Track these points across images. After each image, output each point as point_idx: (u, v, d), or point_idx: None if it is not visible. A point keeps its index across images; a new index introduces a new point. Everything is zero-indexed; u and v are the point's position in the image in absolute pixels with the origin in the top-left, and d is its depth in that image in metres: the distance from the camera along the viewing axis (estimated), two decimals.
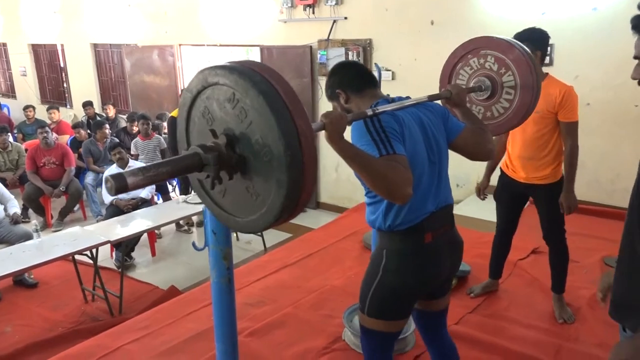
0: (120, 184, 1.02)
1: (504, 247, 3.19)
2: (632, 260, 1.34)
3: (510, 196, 3.01)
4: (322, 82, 5.91)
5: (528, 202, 3.06)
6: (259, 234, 5.17)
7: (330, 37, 5.68)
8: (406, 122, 1.68)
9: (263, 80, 1.11)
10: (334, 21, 5.62)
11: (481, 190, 3.14)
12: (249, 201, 1.23)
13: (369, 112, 1.59)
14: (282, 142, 1.08)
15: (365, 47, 5.44)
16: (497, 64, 2.19)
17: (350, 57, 5.52)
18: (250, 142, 1.15)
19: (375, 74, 3.27)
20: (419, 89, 5.24)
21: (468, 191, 5.13)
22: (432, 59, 5.12)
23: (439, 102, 1.95)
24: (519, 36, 2.59)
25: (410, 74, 5.25)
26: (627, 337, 1.33)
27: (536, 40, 2.63)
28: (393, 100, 1.79)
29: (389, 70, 5.33)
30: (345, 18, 5.55)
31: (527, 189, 2.89)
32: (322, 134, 1.45)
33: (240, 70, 1.14)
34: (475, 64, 2.25)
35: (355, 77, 1.85)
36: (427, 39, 5.07)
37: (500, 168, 3.04)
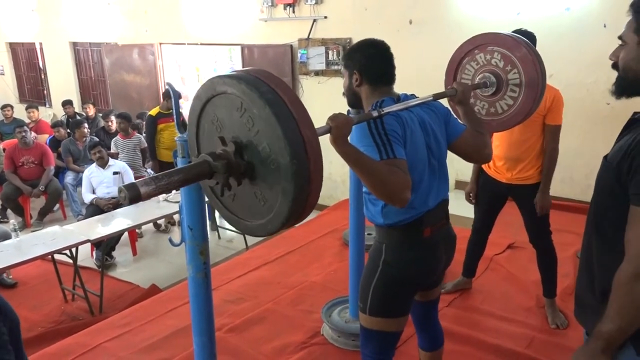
0: (133, 194, 1.04)
1: (479, 247, 3.22)
2: (588, 256, 1.35)
3: (490, 196, 3.03)
4: (303, 80, 5.95)
5: None
6: (241, 232, 5.18)
7: (311, 36, 5.72)
8: (409, 123, 1.71)
9: (270, 90, 1.14)
10: (314, 20, 5.65)
11: (472, 195, 3.11)
12: (257, 206, 1.26)
13: (374, 114, 1.60)
14: (288, 151, 1.11)
15: (345, 46, 5.48)
16: (504, 61, 2.19)
17: (330, 57, 5.57)
18: (257, 149, 1.18)
19: None
20: (400, 87, 5.31)
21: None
22: (411, 57, 5.20)
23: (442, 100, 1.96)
24: None
25: None
26: (584, 342, 1.32)
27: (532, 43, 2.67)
28: (399, 98, 1.81)
29: None
30: (325, 17, 5.59)
31: (509, 189, 2.90)
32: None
33: (247, 80, 1.16)
34: (482, 59, 2.25)
35: (379, 71, 1.83)
36: (405, 37, 5.13)
37: (482, 168, 3.05)
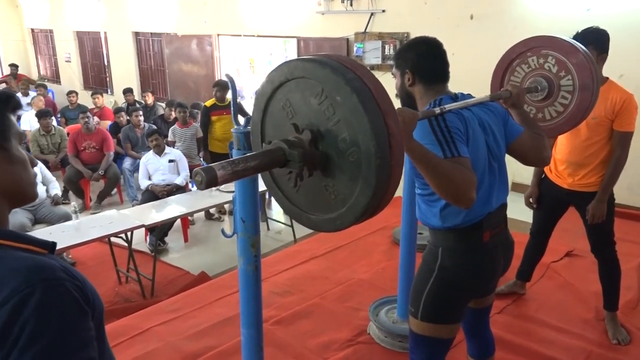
0: (210, 177, 1.01)
1: (537, 252, 3.09)
2: None
3: (551, 201, 2.89)
4: None
5: None
6: (290, 224, 5.21)
7: (367, 30, 5.65)
8: (470, 122, 1.66)
9: (356, 77, 1.08)
10: (372, 14, 5.58)
11: (533, 200, 2.97)
12: (326, 199, 1.19)
13: (437, 111, 1.55)
14: (373, 143, 1.05)
15: (402, 40, 5.39)
16: (558, 66, 2.09)
17: (386, 51, 5.48)
18: (336, 140, 1.11)
19: None
20: (457, 84, 5.15)
21: None
22: (471, 54, 5.05)
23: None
24: (583, 37, 2.48)
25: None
26: None
27: (604, 43, 2.53)
28: (456, 97, 1.76)
29: None
30: (383, 11, 5.51)
31: (571, 196, 2.75)
32: None
33: (332, 65, 1.10)
34: (534, 62, 2.15)
35: (432, 69, 1.78)
36: (465, 33, 4.98)
37: (544, 172, 2.93)
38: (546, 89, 2.13)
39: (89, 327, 0.90)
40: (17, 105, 1.01)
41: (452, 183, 1.45)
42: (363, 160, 1.07)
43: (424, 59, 1.77)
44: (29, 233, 3.82)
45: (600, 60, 2.54)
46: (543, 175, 2.93)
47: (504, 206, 1.84)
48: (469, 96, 1.77)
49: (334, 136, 1.12)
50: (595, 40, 2.50)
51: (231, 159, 1.07)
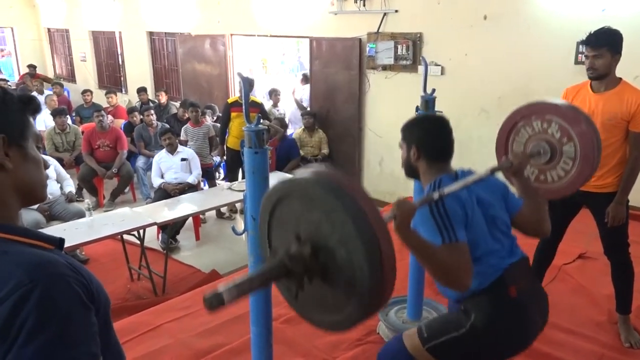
0: (217, 302, 1.05)
1: (548, 254, 3.04)
2: None
3: (563, 203, 2.86)
4: (370, 75, 5.89)
5: None
6: None
7: (380, 30, 5.64)
8: (469, 204, 1.72)
9: (353, 203, 1.15)
10: (385, 14, 5.57)
11: None
12: (324, 304, 1.27)
13: (435, 196, 1.61)
14: (367, 265, 1.12)
15: (415, 41, 5.37)
16: (560, 132, 2.09)
17: (399, 51, 5.47)
18: (334, 255, 1.18)
19: (422, 67, 3.25)
20: (469, 85, 5.17)
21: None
22: (484, 54, 5.02)
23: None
24: (597, 39, 2.48)
25: (460, 69, 5.15)
26: None
27: (618, 44, 2.52)
28: (457, 175, 1.82)
29: (439, 65, 5.24)
30: (396, 11, 5.49)
31: (585, 197, 2.70)
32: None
33: (332, 189, 1.17)
34: (538, 126, 2.16)
35: (437, 147, 1.85)
36: (479, 33, 4.96)
37: None
38: (548, 153, 2.14)
39: (91, 323, 0.91)
40: (37, 108, 1.04)
41: (447, 271, 1.56)
42: (357, 280, 1.15)
43: (430, 137, 1.85)
44: (43, 230, 3.88)
45: (614, 61, 2.54)
46: None
47: (524, 260, 1.85)
48: (469, 172, 1.82)
49: (332, 251, 1.18)
50: (610, 42, 2.49)
51: (237, 282, 1.10)
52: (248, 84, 1.86)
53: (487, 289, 1.72)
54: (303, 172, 1.26)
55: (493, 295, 1.73)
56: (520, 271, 1.79)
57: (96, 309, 0.95)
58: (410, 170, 1.92)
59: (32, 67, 10.69)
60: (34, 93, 8.89)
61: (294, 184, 1.26)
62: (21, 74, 11.48)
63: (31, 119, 1.02)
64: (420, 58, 5.11)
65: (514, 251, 1.83)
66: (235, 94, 7.52)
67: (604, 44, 2.49)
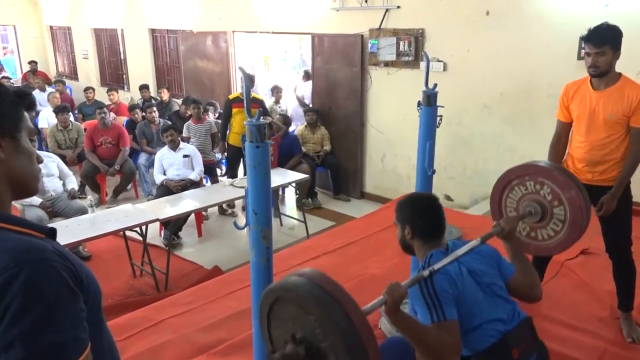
0: None
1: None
2: None
3: None
4: (372, 71, 5.88)
5: None
6: (303, 220, 5.23)
7: (382, 26, 5.63)
8: (459, 279, 1.79)
9: (343, 316, 1.23)
10: (386, 10, 5.56)
11: None
12: None
13: (425, 274, 1.70)
14: None
15: (417, 37, 5.36)
16: (552, 195, 2.16)
17: (401, 47, 5.46)
18: (326, 357, 1.25)
19: (423, 63, 3.25)
20: (471, 81, 5.16)
21: None
22: (486, 50, 5.01)
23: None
24: (600, 36, 2.47)
25: (463, 65, 5.14)
26: None
27: (619, 41, 2.52)
28: (447, 248, 1.90)
29: (441, 61, 5.23)
30: (398, 7, 5.48)
31: (590, 191, 2.68)
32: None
33: (323, 302, 1.25)
34: (531, 187, 2.23)
35: (429, 227, 1.95)
36: (481, 29, 4.94)
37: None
38: (540, 214, 2.20)
39: (78, 308, 0.92)
40: (32, 104, 1.07)
41: (435, 351, 1.64)
42: None
43: (421, 217, 1.95)
44: None
45: (615, 58, 2.54)
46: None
47: (525, 321, 1.90)
48: (461, 244, 1.89)
49: (324, 354, 1.26)
50: (612, 39, 2.49)
51: None
52: (249, 80, 1.86)
53: (489, 350, 1.78)
54: (296, 279, 1.33)
55: (494, 357, 1.80)
56: (522, 333, 1.85)
57: (85, 297, 0.95)
58: (406, 248, 2.02)
59: (33, 63, 10.71)
60: (36, 90, 8.91)
61: (288, 291, 1.33)
62: (23, 71, 11.49)
63: (26, 114, 1.04)
64: (422, 54, 5.10)
65: (516, 315, 1.88)
66: (237, 90, 7.52)
67: (606, 42, 2.48)
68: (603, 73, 2.54)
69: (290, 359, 1.27)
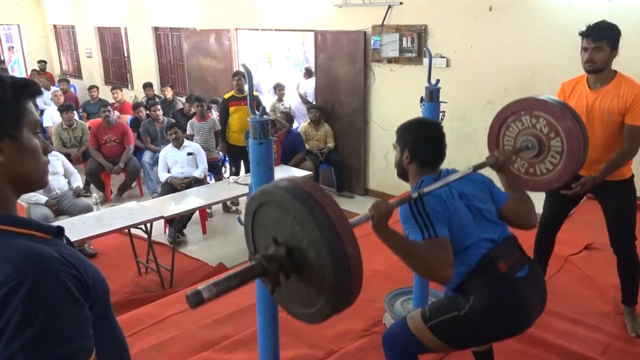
0: (198, 300, 1.16)
1: (548, 244, 3.01)
2: None
3: (562, 194, 2.86)
4: (375, 68, 5.88)
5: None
6: None
7: (385, 23, 5.63)
8: (450, 201, 1.79)
9: (321, 211, 1.24)
10: (389, 6, 5.55)
11: None
12: (302, 298, 1.38)
13: (414, 195, 1.69)
14: (332, 268, 1.22)
15: (420, 33, 5.35)
16: (548, 128, 2.17)
17: (404, 44, 5.45)
18: (306, 257, 1.28)
19: (426, 59, 3.25)
20: (474, 76, 5.15)
21: None
22: (489, 46, 5.00)
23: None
24: (600, 32, 2.47)
25: (466, 61, 5.13)
26: None
27: (617, 40, 2.52)
28: (440, 174, 1.90)
29: (444, 57, 5.23)
30: (401, 3, 5.47)
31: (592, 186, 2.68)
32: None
33: (301, 198, 1.26)
34: (527, 121, 2.24)
35: (429, 155, 1.94)
36: (484, 25, 4.93)
37: None
38: (537, 148, 2.21)
39: (82, 317, 0.90)
40: (36, 91, 1.01)
41: (425, 265, 1.65)
42: (326, 280, 1.24)
43: (423, 144, 1.93)
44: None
45: (612, 56, 2.54)
46: None
47: (509, 238, 1.90)
48: (454, 172, 1.90)
49: (304, 252, 1.28)
50: (611, 36, 2.50)
51: (215, 281, 1.20)
52: (251, 76, 1.87)
53: (476, 269, 1.78)
54: (279, 181, 1.36)
55: (485, 277, 1.78)
56: (507, 248, 1.84)
57: (92, 299, 0.94)
58: (401, 172, 2.01)
59: (42, 62, 10.79)
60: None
61: (269, 194, 1.35)
62: (28, 70, 11.54)
63: (28, 105, 0.99)
64: (425, 50, 5.09)
65: (502, 231, 1.88)
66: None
67: (604, 37, 2.48)
68: (598, 70, 2.54)
69: (270, 259, 1.28)
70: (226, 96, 5.97)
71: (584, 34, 2.54)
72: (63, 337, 0.86)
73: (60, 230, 1.02)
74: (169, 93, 7.99)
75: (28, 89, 0.98)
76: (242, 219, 1.99)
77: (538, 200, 3.03)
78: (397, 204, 1.65)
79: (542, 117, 2.17)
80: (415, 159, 1.92)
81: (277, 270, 1.28)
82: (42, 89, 6.42)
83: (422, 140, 1.92)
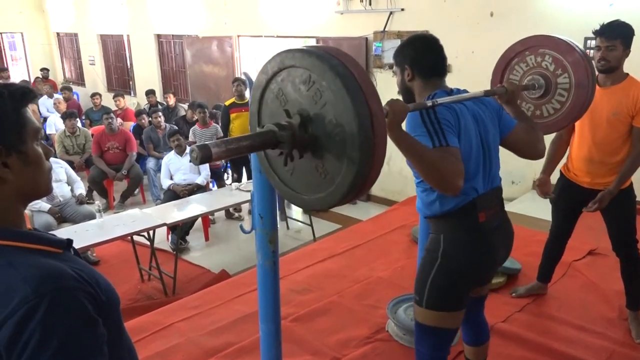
0: (205, 154, 1.09)
1: (557, 252, 3.03)
2: None
3: (569, 201, 2.83)
4: (377, 74, 5.89)
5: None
6: (309, 224, 5.24)
7: (386, 29, 5.64)
8: (462, 114, 1.73)
9: (340, 63, 1.17)
10: (391, 12, 5.57)
11: (543, 190, 2.85)
12: (317, 180, 1.28)
13: (429, 104, 1.62)
14: (356, 122, 1.13)
15: None
16: (554, 65, 2.15)
17: None
18: (323, 122, 1.20)
19: None
20: (476, 82, 5.11)
21: (523, 188, 4.99)
22: (491, 51, 4.98)
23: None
24: (612, 30, 2.46)
25: (467, 66, 5.14)
26: None
27: (630, 39, 2.49)
28: (452, 92, 1.82)
29: None
30: (402, 9, 5.49)
31: (591, 194, 2.66)
32: None
33: (317, 54, 1.19)
34: (532, 61, 2.22)
35: (431, 64, 1.85)
36: (485, 30, 4.94)
37: (560, 171, 2.87)
38: (543, 86, 2.19)
39: (97, 334, 0.90)
40: (34, 97, 0.99)
41: (438, 171, 1.54)
42: (347, 140, 1.15)
43: (421, 54, 1.84)
44: (54, 232, 3.92)
45: (624, 55, 2.51)
46: (560, 175, 2.89)
47: (497, 189, 1.88)
48: (465, 91, 1.83)
49: (321, 119, 1.20)
50: (624, 35, 2.47)
51: (225, 139, 1.16)
52: (252, 82, 1.87)
53: (458, 212, 1.77)
54: (290, 49, 1.29)
55: (463, 218, 1.78)
56: (492, 199, 1.83)
57: (106, 313, 0.94)
58: (407, 93, 1.90)
59: (45, 70, 10.85)
60: (44, 97, 8.99)
61: (283, 57, 1.27)
62: (31, 78, 11.59)
63: (27, 114, 0.95)
64: None
65: (494, 179, 1.86)
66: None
67: (618, 36, 2.46)
68: (612, 69, 2.51)
69: (282, 127, 1.20)
70: (227, 103, 5.98)
71: (597, 33, 2.51)
72: (80, 357, 0.86)
73: (69, 244, 1.02)
74: (171, 100, 8.02)
75: (27, 97, 0.95)
76: (245, 226, 2.00)
77: (546, 208, 3.04)
78: (414, 108, 1.59)
79: (548, 54, 2.13)
80: (417, 72, 1.83)
81: (291, 138, 1.20)
82: (45, 96, 6.47)
83: (420, 51, 1.84)
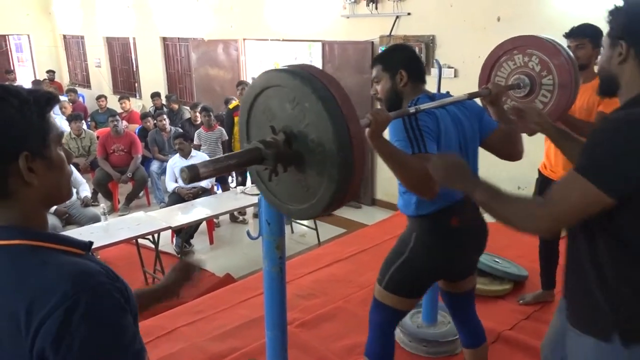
0: (193, 174, 1.16)
1: (551, 255, 3.01)
2: None
3: None
4: None
5: None
6: (314, 227, 5.23)
7: (393, 33, 5.63)
8: (442, 119, 1.79)
9: (323, 87, 1.23)
10: (397, 17, 5.56)
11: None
12: (300, 192, 1.35)
13: (412, 110, 1.68)
14: (335, 144, 1.20)
15: (428, 43, 5.35)
16: (540, 66, 2.21)
17: None
18: (306, 140, 1.27)
19: (435, 70, 3.27)
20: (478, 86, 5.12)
21: (530, 194, 4.96)
22: None
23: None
24: (580, 30, 2.56)
25: (474, 71, 5.05)
26: None
27: (599, 38, 2.50)
28: (434, 96, 1.90)
29: (452, 68, 5.22)
30: (409, 14, 5.48)
31: None
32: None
33: (302, 75, 1.26)
34: (520, 60, 2.28)
35: (422, 69, 1.97)
36: (492, 35, 4.91)
37: (539, 169, 2.92)
38: (528, 86, 2.25)
39: (131, 323, 0.95)
40: (57, 102, 1.03)
41: (416, 178, 1.64)
42: (328, 159, 1.23)
43: (414, 60, 1.97)
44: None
45: (594, 54, 2.58)
46: (539, 174, 2.94)
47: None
48: (448, 95, 1.92)
49: (304, 137, 1.27)
50: (591, 34, 2.55)
51: (214, 158, 1.23)
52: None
53: (434, 216, 1.84)
54: (277, 68, 1.37)
55: (436, 222, 1.86)
56: (468, 204, 1.81)
57: (130, 311, 0.97)
58: (395, 99, 1.93)
59: (51, 72, 10.90)
60: None
61: (269, 78, 1.34)
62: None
63: (51, 119, 0.97)
64: (434, 61, 5.09)
65: None
66: None
67: (586, 35, 2.57)
68: (582, 66, 2.55)
69: (268, 144, 1.26)
70: (231, 106, 5.99)
71: (567, 35, 2.64)
72: (124, 345, 0.91)
73: (90, 245, 1.04)
74: (175, 107, 7.99)
75: (51, 103, 0.97)
76: (251, 231, 1.99)
77: None
78: (395, 116, 1.66)
79: (535, 55, 2.20)
80: (410, 77, 1.90)
81: (275, 155, 1.26)
82: None
83: (413, 57, 1.98)
